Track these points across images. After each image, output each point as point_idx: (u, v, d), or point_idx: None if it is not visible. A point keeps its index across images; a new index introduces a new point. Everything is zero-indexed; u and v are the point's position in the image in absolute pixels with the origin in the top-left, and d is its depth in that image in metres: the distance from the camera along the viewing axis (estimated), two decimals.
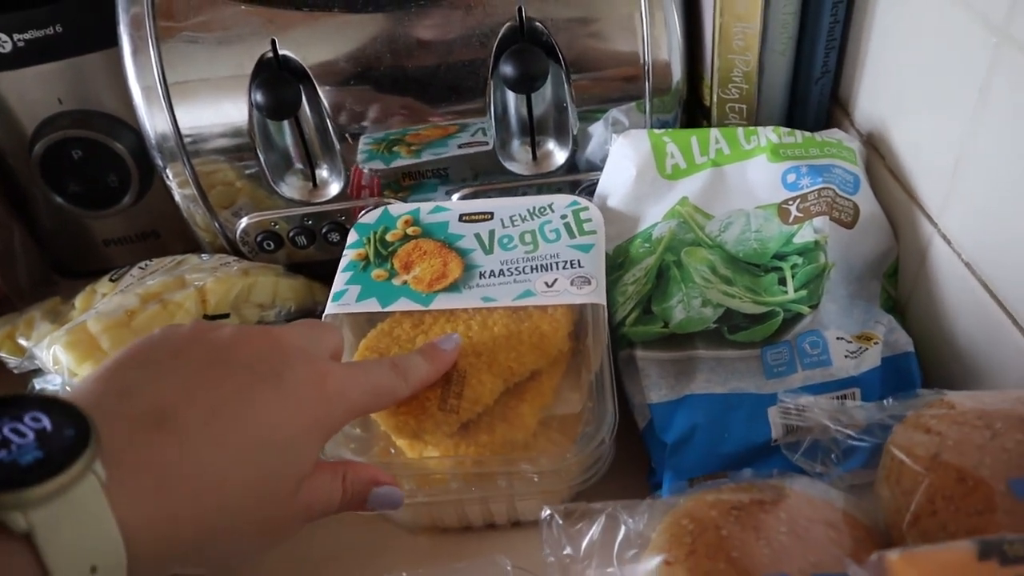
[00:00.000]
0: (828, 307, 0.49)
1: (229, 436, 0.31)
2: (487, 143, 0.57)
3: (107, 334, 0.51)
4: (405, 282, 0.50)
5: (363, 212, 0.56)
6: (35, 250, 0.70)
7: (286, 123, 0.54)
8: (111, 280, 0.60)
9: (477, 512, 0.47)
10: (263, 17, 0.52)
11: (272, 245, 0.59)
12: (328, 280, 0.60)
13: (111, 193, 0.64)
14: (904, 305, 0.53)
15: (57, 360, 0.51)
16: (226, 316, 0.55)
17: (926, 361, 0.49)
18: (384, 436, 0.46)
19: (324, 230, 0.58)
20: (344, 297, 0.50)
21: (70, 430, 0.27)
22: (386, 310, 0.49)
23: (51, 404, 0.28)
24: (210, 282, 0.55)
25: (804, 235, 0.50)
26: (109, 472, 0.27)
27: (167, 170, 0.56)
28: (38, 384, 0.57)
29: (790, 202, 0.51)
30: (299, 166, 0.56)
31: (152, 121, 0.54)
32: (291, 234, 0.58)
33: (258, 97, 0.51)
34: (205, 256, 0.60)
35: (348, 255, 0.52)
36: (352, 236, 0.54)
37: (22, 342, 0.58)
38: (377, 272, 0.51)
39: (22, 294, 0.66)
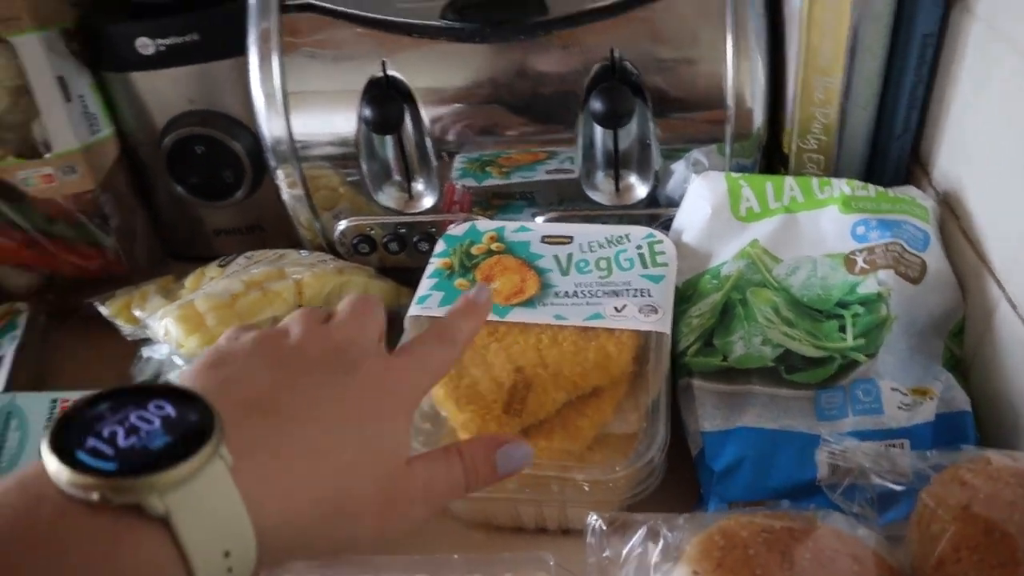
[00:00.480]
0: (886, 358, 0.50)
1: (327, 418, 0.32)
2: (573, 172, 0.60)
3: (213, 313, 0.57)
4: None
5: (452, 225, 0.60)
6: (154, 234, 0.77)
7: (389, 137, 0.59)
8: (219, 266, 0.65)
9: (530, 514, 0.50)
10: (376, 40, 0.57)
11: (367, 248, 0.63)
12: (414, 285, 0.64)
13: (225, 187, 0.70)
14: (968, 365, 0.54)
15: (168, 331, 0.57)
16: None
17: (987, 423, 0.50)
18: (451, 432, 0.49)
19: (415, 239, 0.63)
20: (427, 301, 0.54)
21: (194, 415, 0.27)
22: None
23: (172, 392, 0.28)
24: (307, 277, 0.60)
25: (868, 286, 0.52)
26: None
27: (278, 171, 0.61)
28: (146, 352, 0.63)
29: (857, 253, 0.53)
30: (397, 178, 0.61)
31: (270, 125, 0.59)
32: (384, 240, 0.63)
33: (366, 112, 0.56)
34: (304, 252, 0.65)
35: (434, 263, 0.57)
36: (440, 246, 0.58)
37: (136, 313, 0.64)
38: (460, 281, 0.55)
39: (140, 272, 0.73)
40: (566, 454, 0.47)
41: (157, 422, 0.27)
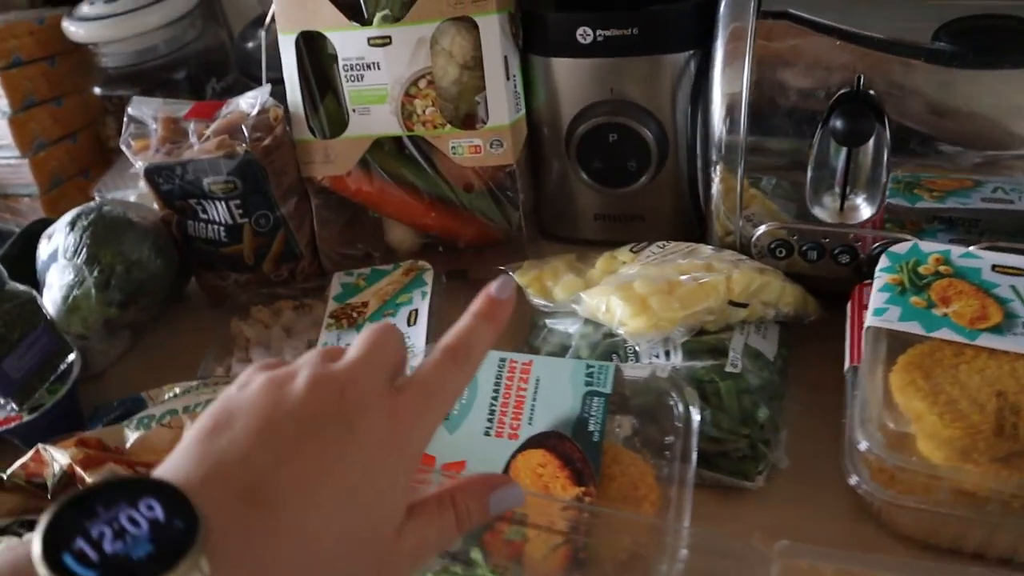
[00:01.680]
0: None
1: (323, 501, 0.32)
2: (1012, 202, 0.60)
3: (655, 297, 0.60)
4: (946, 314, 0.55)
5: (880, 243, 0.61)
6: (534, 213, 0.81)
7: (844, 149, 0.60)
8: (632, 251, 0.69)
9: (977, 538, 0.51)
10: (854, 54, 0.58)
11: (783, 252, 0.65)
12: (817, 294, 0.66)
13: (628, 175, 0.74)
14: None
15: (609, 308, 0.60)
16: (745, 306, 0.62)
17: None
18: None
19: (836, 250, 0.64)
20: (886, 314, 0.55)
21: (180, 522, 0.27)
22: (929, 335, 0.54)
23: (163, 490, 0.28)
24: (736, 273, 0.62)
25: None
26: (212, 563, 0.27)
27: (717, 167, 0.64)
28: (551, 323, 0.67)
29: None
30: (836, 189, 0.62)
31: (725, 124, 0.62)
32: (804, 247, 0.64)
33: (837, 123, 0.57)
34: (711, 248, 0.67)
35: (883, 278, 0.58)
36: (883, 262, 0.59)
37: (548, 285, 0.68)
38: (915, 299, 0.56)
39: (521, 246, 0.78)
40: None
41: (144, 526, 0.27)
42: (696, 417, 0.54)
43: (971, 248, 0.59)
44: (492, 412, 0.56)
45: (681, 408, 0.55)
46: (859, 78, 0.58)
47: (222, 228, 0.73)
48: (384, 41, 0.68)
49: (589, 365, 0.58)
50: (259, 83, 0.83)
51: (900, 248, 0.60)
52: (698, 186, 0.73)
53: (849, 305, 0.62)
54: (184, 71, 0.91)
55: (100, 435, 0.58)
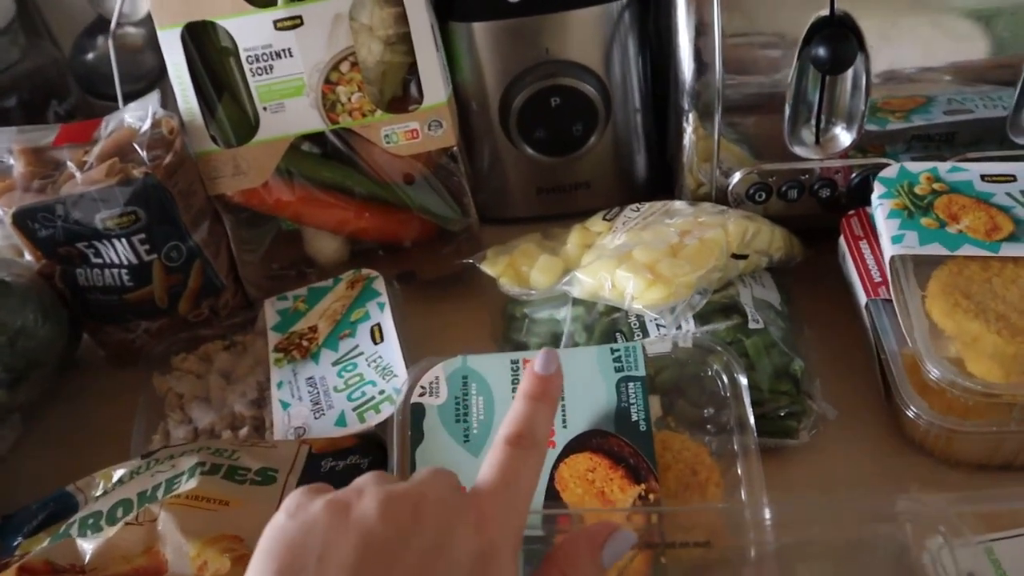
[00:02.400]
0: None
1: None
2: (997, 111, 0.58)
3: (663, 263, 0.55)
4: (961, 231, 0.53)
5: (859, 172, 0.59)
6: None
7: (820, 79, 0.57)
8: (605, 219, 0.64)
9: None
10: None
11: (763, 196, 0.62)
12: (798, 233, 0.64)
13: (574, 140, 0.68)
14: None
15: (618, 284, 0.55)
16: (746, 257, 0.58)
17: None
18: None
19: (816, 186, 0.62)
20: (905, 240, 0.53)
21: None
22: (953, 254, 0.52)
23: None
24: (730, 225, 0.58)
25: None
26: None
27: (688, 116, 0.60)
28: (534, 313, 0.61)
29: None
30: (812, 122, 0.60)
31: (694, 67, 0.58)
32: (783, 187, 0.62)
33: (819, 51, 0.54)
34: (686, 203, 0.63)
35: (886, 204, 0.56)
36: (879, 188, 0.57)
37: (524, 270, 0.62)
38: (926, 220, 0.54)
39: (465, 236, 0.70)
40: None
41: None
42: (743, 381, 0.50)
43: (954, 161, 0.59)
44: None
45: (724, 375, 0.51)
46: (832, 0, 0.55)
47: (124, 271, 0.61)
48: (294, 22, 0.58)
49: (614, 349, 0.52)
50: (110, 100, 0.71)
51: (889, 172, 0.58)
52: (651, 140, 0.69)
53: (842, 239, 0.61)
54: (14, 97, 0.75)
55: (46, 555, 0.46)
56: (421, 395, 0.52)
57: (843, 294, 0.60)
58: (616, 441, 0.49)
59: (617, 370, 0.51)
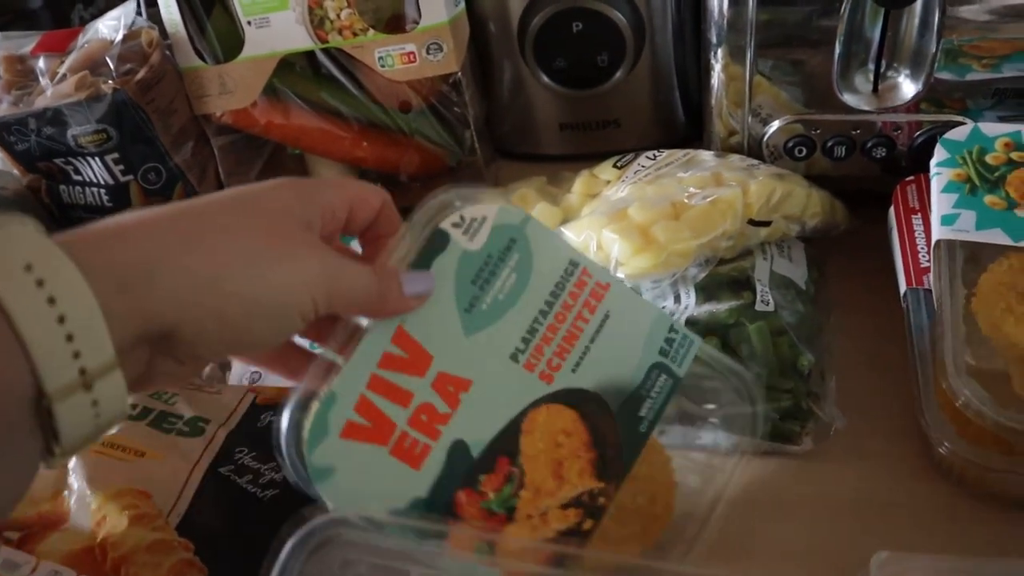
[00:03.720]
0: None
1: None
2: None
3: (658, 226, 0.47)
4: None
5: (924, 130, 0.49)
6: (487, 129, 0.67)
7: (882, 14, 0.47)
8: (616, 167, 0.56)
9: None
10: None
11: (803, 152, 0.53)
12: (844, 198, 0.54)
13: (598, 72, 0.60)
14: None
15: (603, 246, 0.47)
16: (768, 224, 0.49)
17: None
18: None
19: (868, 143, 0.51)
20: (958, 222, 0.43)
21: None
22: (1017, 245, 0.42)
23: None
24: (753, 184, 0.49)
25: None
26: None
27: (718, 51, 0.50)
28: None
29: None
30: (871, 66, 0.49)
31: None
32: (829, 143, 0.52)
33: None
34: (712, 154, 0.55)
35: (944, 173, 0.45)
36: (940, 153, 0.46)
37: None
38: (991, 199, 0.44)
39: (473, 170, 0.64)
40: None
41: None
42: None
43: None
44: (533, 332, 0.38)
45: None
46: None
47: (103, 190, 0.58)
48: None
49: (672, 328, 0.41)
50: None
51: (957, 134, 0.47)
52: (688, 78, 0.60)
53: (892, 211, 0.51)
54: None
55: None
56: (455, 225, 0.37)
57: (887, 276, 0.50)
58: (610, 424, 0.40)
59: (661, 353, 0.41)
